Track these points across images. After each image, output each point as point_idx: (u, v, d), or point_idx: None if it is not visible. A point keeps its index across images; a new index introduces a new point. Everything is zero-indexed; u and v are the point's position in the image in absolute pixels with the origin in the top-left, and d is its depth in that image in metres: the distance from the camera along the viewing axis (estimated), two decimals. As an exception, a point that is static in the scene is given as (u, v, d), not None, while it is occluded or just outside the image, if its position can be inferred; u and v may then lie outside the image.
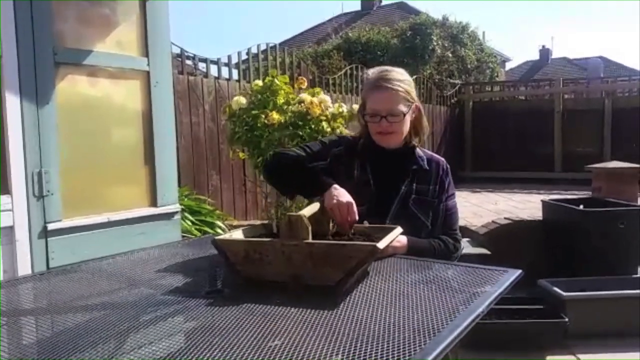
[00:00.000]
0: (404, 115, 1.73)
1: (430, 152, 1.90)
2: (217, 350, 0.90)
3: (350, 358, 0.87)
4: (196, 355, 0.89)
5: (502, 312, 3.42)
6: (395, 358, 0.86)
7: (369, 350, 0.88)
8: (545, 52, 30.05)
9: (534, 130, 10.61)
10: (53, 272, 1.67)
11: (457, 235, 1.84)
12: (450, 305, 1.10)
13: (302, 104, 3.33)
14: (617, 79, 12.45)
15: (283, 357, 0.87)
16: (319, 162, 1.75)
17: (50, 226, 2.41)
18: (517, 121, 10.81)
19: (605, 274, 3.89)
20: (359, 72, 8.58)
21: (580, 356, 3.26)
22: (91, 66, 2.60)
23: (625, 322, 3.44)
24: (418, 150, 1.85)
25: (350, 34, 14.09)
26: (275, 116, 3.24)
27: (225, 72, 6.00)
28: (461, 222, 1.96)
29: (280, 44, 7.98)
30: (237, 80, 6.09)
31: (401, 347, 0.89)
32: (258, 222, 2.50)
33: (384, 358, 0.86)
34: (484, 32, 15.93)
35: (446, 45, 13.72)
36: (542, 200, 4.97)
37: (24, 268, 2.32)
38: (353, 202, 1.49)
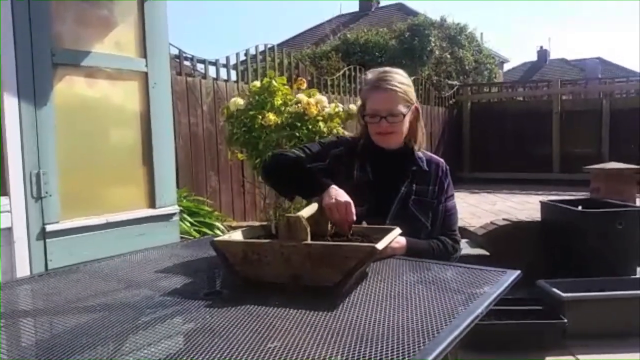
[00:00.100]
0: (404, 115, 1.73)
1: (429, 153, 1.90)
2: (216, 351, 0.90)
3: (350, 359, 0.86)
4: (195, 357, 0.89)
5: (501, 312, 3.42)
6: (395, 359, 0.85)
7: (368, 351, 0.88)
8: (543, 53, 30.10)
9: (532, 131, 10.63)
10: (51, 274, 1.67)
11: (456, 236, 1.84)
12: (449, 306, 1.10)
13: (299, 105, 3.34)
14: (615, 80, 12.50)
15: (282, 358, 0.87)
16: (318, 163, 1.75)
17: (49, 227, 2.41)
18: (515, 122, 10.83)
19: (604, 274, 3.90)
20: (357, 73, 8.58)
21: (580, 357, 3.26)
22: (89, 67, 2.59)
23: (625, 322, 3.45)
24: (417, 151, 1.85)
25: (348, 35, 14.12)
26: (271, 117, 3.25)
27: (223, 73, 6.00)
28: (460, 223, 1.96)
29: (279, 45, 7.99)
30: (235, 82, 6.10)
31: (400, 348, 0.89)
32: (257, 223, 2.50)
33: (383, 359, 0.86)
34: (481, 34, 15.97)
35: (444, 46, 13.74)
36: (540, 201, 4.97)
37: (22, 269, 2.32)
38: (351, 202, 1.49)
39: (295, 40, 20.48)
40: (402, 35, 13.22)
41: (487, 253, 4.25)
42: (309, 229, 1.26)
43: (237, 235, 1.39)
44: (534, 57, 30.67)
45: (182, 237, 3.31)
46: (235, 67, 6.21)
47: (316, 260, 1.22)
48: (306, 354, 0.88)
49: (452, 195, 1.87)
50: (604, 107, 10.23)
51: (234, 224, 4.70)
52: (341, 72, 8.52)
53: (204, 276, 1.30)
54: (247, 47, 6.25)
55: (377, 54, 12.89)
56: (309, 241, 1.25)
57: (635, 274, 4.15)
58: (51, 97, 2.42)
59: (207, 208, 4.50)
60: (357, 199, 1.51)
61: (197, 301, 1.18)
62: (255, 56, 6.40)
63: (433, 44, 13.05)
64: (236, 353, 0.89)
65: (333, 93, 7.85)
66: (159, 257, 1.71)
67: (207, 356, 0.89)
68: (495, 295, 1.17)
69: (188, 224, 3.92)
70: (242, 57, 6.24)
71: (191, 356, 0.89)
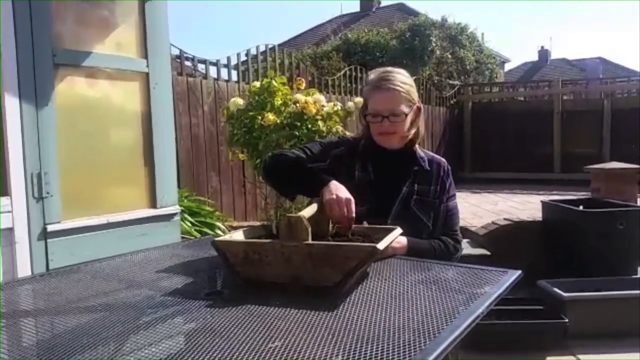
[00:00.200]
0: (406, 115, 1.73)
1: (431, 153, 1.90)
2: (217, 351, 0.90)
3: (350, 359, 0.86)
4: (196, 357, 0.89)
5: (502, 312, 3.42)
6: (396, 359, 0.85)
7: (369, 351, 0.88)
8: (544, 53, 30.09)
9: (533, 131, 10.62)
10: (53, 274, 1.67)
11: (457, 236, 1.84)
12: (450, 306, 1.10)
13: (297, 105, 3.34)
14: (616, 79, 12.49)
15: (283, 358, 0.87)
16: (318, 163, 1.75)
17: (50, 228, 2.41)
18: (516, 122, 10.83)
19: (605, 274, 3.90)
20: (358, 74, 8.59)
21: (581, 357, 3.26)
22: (90, 67, 2.60)
23: (625, 322, 3.45)
24: (419, 151, 1.85)
25: (349, 35, 14.11)
26: (270, 117, 3.25)
27: (224, 73, 6.01)
28: (461, 223, 1.96)
29: (280, 45, 7.99)
30: (236, 82, 6.10)
31: (401, 348, 0.89)
32: (258, 224, 2.50)
33: (384, 359, 0.86)
34: (482, 34, 15.97)
35: (445, 46, 13.74)
36: (541, 201, 4.97)
37: (23, 270, 2.32)
38: (352, 198, 1.48)
39: (296, 41, 20.48)
40: (403, 35, 13.21)
41: (488, 253, 4.25)
42: (309, 229, 1.25)
43: (238, 235, 1.39)
44: (535, 57, 30.69)
45: (183, 237, 3.31)
46: (236, 67, 6.21)
47: (317, 260, 1.22)
48: (307, 354, 0.88)
49: (454, 195, 1.87)
50: (605, 107, 10.22)
51: (235, 224, 4.70)
52: (342, 72, 8.52)
53: (205, 276, 1.30)
54: (248, 48, 6.26)
55: (378, 54, 12.89)
56: (309, 241, 1.25)
57: (636, 274, 4.15)
58: (52, 97, 2.43)
59: (208, 208, 4.50)
60: (358, 199, 1.51)
61: (198, 301, 1.18)
62: (256, 56, 6.41)
63: (434, 44, 13.05)
64: (237, 353, 0.89)
65: (334, 93, 7.85)
66: (160, 257, 1.71)
67: (208, 356, 0.89)
68: (496, 295, 1.17)
69: (189, 224, 3.92)
70: (243, 58, 6.25)
71: (192, 356, 0.89)
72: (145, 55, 2.82)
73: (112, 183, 2.75)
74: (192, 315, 1.13)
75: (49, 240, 2.41)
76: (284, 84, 3.48)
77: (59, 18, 2.48)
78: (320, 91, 5.36)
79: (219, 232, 4.12)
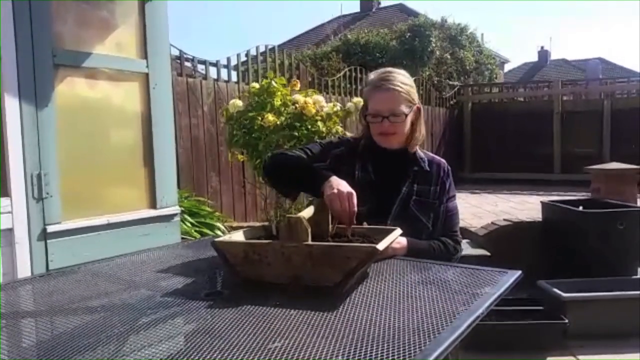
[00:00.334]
0: (406, 115, 1.73)
1: (431, 154, 1.90)
2: (217, 352, 0.90)
3: (351, 359, 0.86)
4: (196, 357, 0.89)
5: (502, 313, 3.42)
6: (396, 359, 0.85)
7: (369, 351, 0.88)
8: (544, 54, 30.10)
9: (533, 132, 10.63)
10: (52, 274, 1.67)
11: (457, 236, 1.84)
12: (450, 306, 1.10)
13: (297, 105, 3.34)
14: (616, 80, 12.50)
15: (283, 358, 0.87)
16: (318, 163, 1.74)
17: (50, 228, 2.41)
18: (516, 122, 10.83)
19: (605, 274, 3.89)
20: (358, 74, 8.59)
21: (580, 357, 3.26)
22: (90, 68, 2.60)
23: (625, 322, 3.45)
24: (419, 151, 1.85)
25: (349, 36, 14.11)
26: (270, 118, 3.25)
27: (224, 74, 6.01)
28: (461, 224, 1.96)
29: (279, 46, 7.99)
30: (236, 82, 6.10)
31: (401, 348, 0.89)
32: (257, 224, 2.50)
33: (385, 359, 0.86)
34: (482, 34, 15.98)
35: (445, 47, 13.74)
36: (541, 202, 4.97)
37: (23, 270, 2.32)
38: (353, 192, 1.48)
39: (296, 41, 20.49)
40: (403, 36, 13.21)
41: (488, 253, 4.25)
42: (309, 230, 1.26)
43: (238, 236, 1.39)
44: (534, 58, 30.71)
45: (183, 238, 3.31)
46: (236, 67, 6.22)
47: (317, 260, 1.22)
48: (307, 355, 0.88)
49: (454, 196, 1.87)
50: (605, 108, 10.23)
51: (235, 224, 4.70)
52: (342, 72, 8.53)
53: (205, 276, 1.31)
54: (248, 48, 6.26)
55: (377, 54, 12.89)
56: (309, 242, 1.25)
57: (636, 274, 4.15)
58: (52, 98, 2.43)
59: (208, 209, 4.50)
60: (358, 199, 1.51)
61: (198, 301, 1.18)
62: (256, 57, 6.41)
63: (434, 45, 13.05)
64: (237, 353, 0.89)
65: (334, 94, 7.85)
66: (160, 257, 1.71)
67: (208, 356, 0.89)
68: (496, 295, 1.17)
69: (189, 225, 3.92)
70: (243, 58, 6.25)
71: (192, 356, 0.89)
72: (145, 55, 2.82)
73: (112, 183, 2.75)
74: (192, 315, 1.13)
75: (49, 241, 2.41)
76: (283, 84, 3.48)
77: (59, 19, 2.48)
78: (320, 92, 5.36)
79: (218, 232, 4.12)
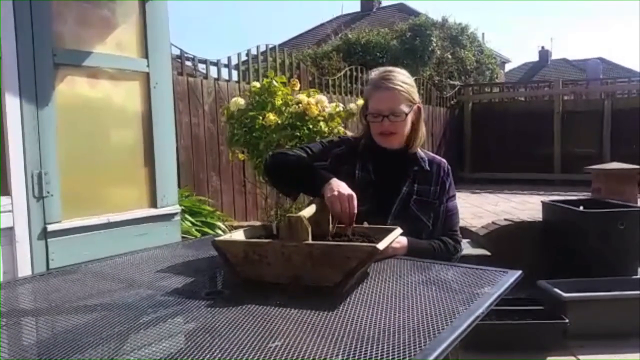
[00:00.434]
0: (406, 115, 1.73)
1: (431, 154, 1.90)
2: (217, 351, 0.90)
3: (351, 359, 0.86)
4: (196, 356, 0.89)
5: (502, 313, 3.42)
6: (396, 359, 0.85)
7: (369, 351, 0.88)
8: (544, 54, 30.08)
9: (533, 132, 10.62)
10: (53, 273, 1.67)
11: (457, 236, 1.84)
12: (450, 306, 1.10)
13: (300, 105, 3.34)
14: (617, 80, 12.49)
15: (283, 358, 0.87)
16: (319, 162, 1.75)
17: (50, 227, 2.41)
18: (517, 122, 10.83)
19: (605, 274, 3.89)
20: (359, 74, 8.58)
21: (581, 357, 3.26)
22: (91, 67, 2.60)
23: (626, 322, 3.45)
24: (419, 151, 1.85)
25: (349, 35, 14.10)
26: (272, 117, 3.25)
27: (225, 73, 6.02)
28: (461, 223, 1.96)
29: (280, 45, 7.99)
30: (236, 82, 6.10)
31: (401, 348, 0.89)
32: (258, 223, 2.50)
33: (384, 359, 0.86)
34: (483, 34, 16.00)
35: (446, 46, 13.74)
36: (541, 201, 4.97)
37: (23, 269, 2.32)
38: (353, 194, 1.49)
39: (297, 41, 20.49)
40: (404, 36, 13.21)
41: (489, 253, 4.25)
42: (310, 229, 1.26)
43: (238, 235, 1.39)
44: (535, 58, 30.69)
45: (183, 237, 3.31)
46: (236, 67, 6.21)
47: (317, 260, 1.22)
48: (307, 354, 0.88)
49: (454, 196, 1.87)
50: (606, 108, 10.23)
51: (235, 223, 4.70)
52: (342, 72, 8.52)
53: (205, 276, 1.31)
54: (248, 48, 6.25)
55: (378, 54, 12.88)
56: (310, 241, 1.25)
57: (636, 274, 4.15)
58: (53, 97, 2.43)
59: (208, 208, 4.50)
60: (358, 198, 1.51)
61: (198, 301, 1.18)
62: (256, 56, 6.40)
63: (434, 44, 13.04)
64: (237, 352, 0.89)
65: (334, 93, 7.85)
66: (160, 256, 1.71)
67: (208, 356, 0.89)
68: (496, 295, 1.17)
69: (189, 224, 3.92)
70: (244, 57, 6.24)
71: (192, 355, 0.90)
72: (145, 55, 2.82)
73: (112, 183, 2.75)
74: (192, 314, 1.13)
75: (49, 240, 2.41)
76: (284, 84, 3.48)
77: (59, 18, 2.48)
78: (321, 91, 5.35)
79: (219, 231, 4.12)
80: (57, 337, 1.05)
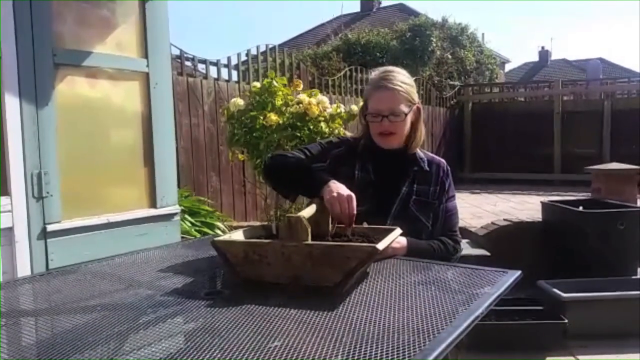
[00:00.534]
0: (406, 115, 1.73)
1: (430, 154, 1.90)
2: (217, 351, 0.90)
3: (350, 359, 0.86)
4: (196, 356, 0.89)
5: (502, 313, 3.42)
6: (396, 359, 0.85)
7: (368, 351, 0.88)
8: (544, 54, 30.08)
9: (533, 132, 10.63)
10: (52, 273, 1.67)
11: (457, 236, 1.84)
12: (449, 306, 1.10)
13: (301, 105, 3.34)
14: (617, 80, 12.50)
15: (283, 358, 0.87)
16: (318, 163, 1.75)
17: (50, 227, 2.41)
18: (517, 122, 10.83)
19: (605, 274, 3.90)
20: (359, 74, 8.59)
21: (580, 357, 3.26)
22: (90, 67, 2.60)
23: (625, 323, 3.45)
24: (419, 151, 1.85)
25: (349, 36, 14.10)
26: (273, 117, 3.25)
27: (224, 73, 6.02)
28: (460, 224, 1.96)
29: (280, 45, 7.99)
30: (236, 82, 6.10)
31: (401, 348, 0.89)
32: (258, 224, 2.50)
33: (384, 359, 0.86)
34: (483, 34, 16.00)
35: (445, 46, 13.74)
36: (541, 202, 4.97)
37: (23, 269, 2.32)
38: (353, 195, 1.49)
39: (297, 41, 20.48)
40: (404, 36, 13.21)
41: (488, 253, 4.24)
42: (309, 229, 1.26)
43: (238, 235, 1.39)
44: (535, 58, 30.70)
45: (183, 237, 3.31)
46: (236, 67, 6.21)
47: (317, 260, 1.22)
48: (307, 354, 0.88)
49: (453, 196, 1.87)
50: (605, 108, 10.23)
51: (235, 224, 4.70)
52: (342, 72, 8.52)
53: (205, 276, 1.31)
54: (248, 48, 6.25)
55: (378, 54, 12.89)
56: (309, 241, 1.25)
57: (636, 275, 4.15)
58: (52, 97, 2.43)
59: (208, 208, 4.50)
60: (358, 199, 1.51)
61: (197, 301, 1.18)
62: (256, 56, 6.41)
63: (434, 45, 13.05)
64: (237, 352, 0.89)
65: (334, 93, 7.85)
66: (160, 257, 1.71)
67: (208, 355, 0.89)
68: (495, 295, 1.17)
69: (189, 224, 3.92)
70: (244, 58, 6.25)
71: (192, 355, 0.90)
72: (145, 55, 2.82)
73: (112, 183, 2.75)
74: (192, 314, 1.13)
75: (48, 240, 2.41)
76: (284, 84, 3.48)
77: (59, 18, 2.48)
78: (321, 91, 5.35)
79: (218, 232, 4.12)
80: (56, 337, 1.05)
